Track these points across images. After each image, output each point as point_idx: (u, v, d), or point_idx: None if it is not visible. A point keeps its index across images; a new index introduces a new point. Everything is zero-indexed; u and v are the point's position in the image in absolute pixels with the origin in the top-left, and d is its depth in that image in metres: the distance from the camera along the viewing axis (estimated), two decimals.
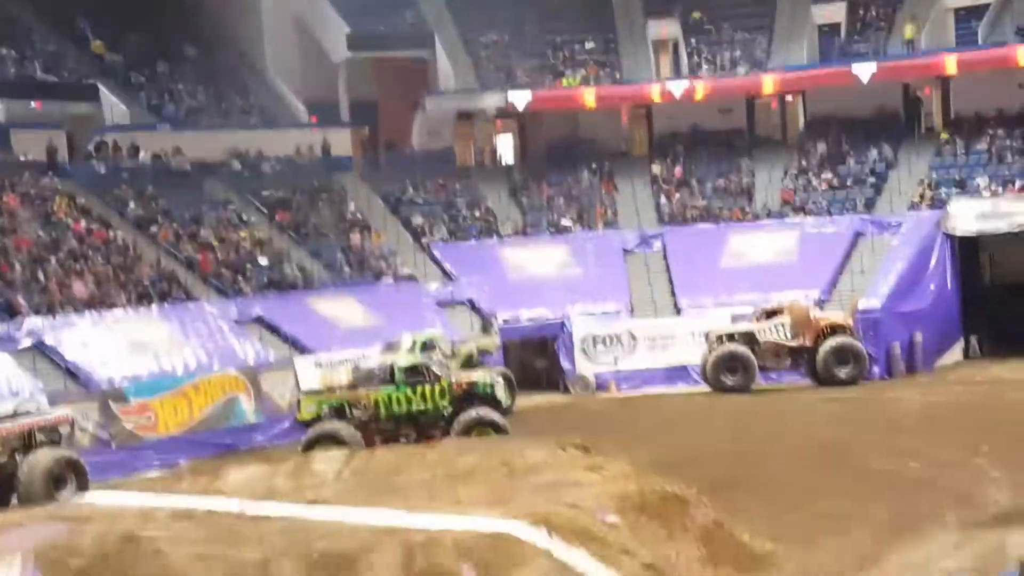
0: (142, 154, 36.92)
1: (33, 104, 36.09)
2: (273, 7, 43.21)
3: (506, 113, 42.59)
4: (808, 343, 31.08)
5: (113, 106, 37.88)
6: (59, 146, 35.27)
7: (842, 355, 30.68)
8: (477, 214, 40.11)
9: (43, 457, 21.26)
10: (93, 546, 14.25)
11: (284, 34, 43.43)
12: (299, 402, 25.16)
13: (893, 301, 33.08)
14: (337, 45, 42.41)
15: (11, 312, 28.02)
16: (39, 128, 35.25)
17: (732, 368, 30.90)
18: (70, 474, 21.33)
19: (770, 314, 31.68)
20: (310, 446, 23.26)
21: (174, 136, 38.11)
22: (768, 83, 40.76)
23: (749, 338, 31.22)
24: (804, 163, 40.31)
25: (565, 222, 39.53)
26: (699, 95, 40.84)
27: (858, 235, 36.39)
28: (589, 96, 41.75)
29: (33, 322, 27.76)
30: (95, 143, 36.60)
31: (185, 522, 15.63)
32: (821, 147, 40.50)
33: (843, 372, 30.59)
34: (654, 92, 41.31)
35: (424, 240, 38.32)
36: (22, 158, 34.51)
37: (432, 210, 39.86)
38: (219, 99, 41.54)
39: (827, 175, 39.44)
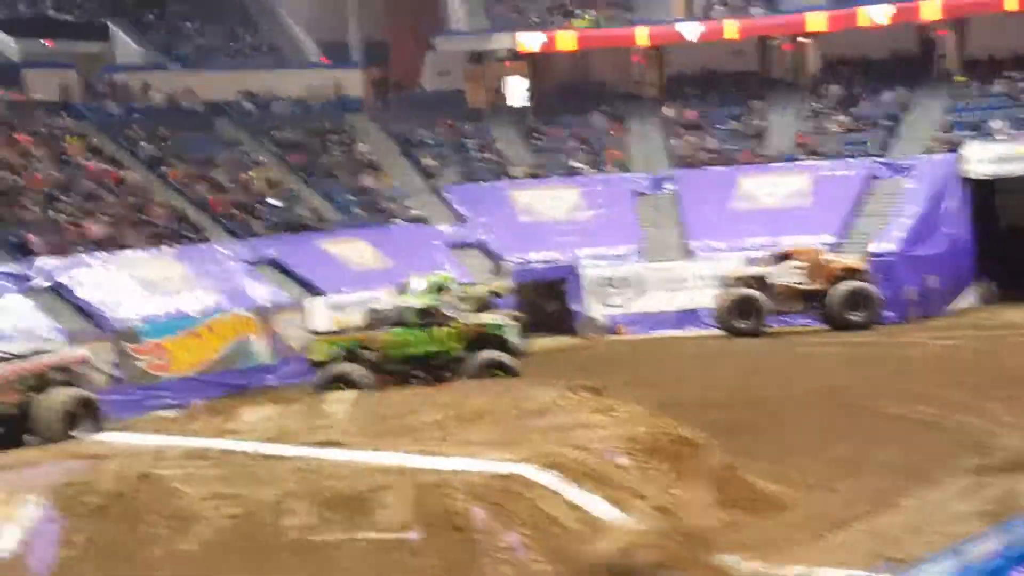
0: (154, 94, 36.82)
1: (44, 42, 35.92)
2: None
3: (517, 54, 42.29)
4: (821, 287, 31.01)
5: (124, 45, 37.70)
6: (71, 85, 35.18)
7: (855, 299, 30.62)
8: (488, 156, 39.99)
9: (58, 396, 21.38)
10: (109, 485, 14.35)
11: None
12: (311, 343, 25.24)
13: (907, 245, 32.98)
14: None
15: (25, 252, 28.10)
16: (51, 67, 35.17)
17: (744, 311, 30.87)
18: (85, 413, 21.46)
19: (783, 257, 31.60)
20: (322, 387, 23.36)
21: (185, 75, 38.00)
22: (781, 24, 40.36)
23: (761, 281, 31.16)
24: (818, 105, 40.04)
25: (576, 164, 39.38)
26: (712, 36, 40.49)
27: (872, 178, 36.18)
28: (601, 37, 41.41)
29: (47, 262, 27.83)
30: (107, 82, 36.49)
31: (199, 461, 15.72)
32: (835, 89, 40.20)
33: (856, 316, 30.53)
34: (666, 33, 40.94)
35: (435, 182, 38.22)
36: (35, 97, 34.43)
37: (443, 151, 39.74)
38: (230, 38, 41.35)
39: (841, 118, 39.18)
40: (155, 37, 39.37)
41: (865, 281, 30.93)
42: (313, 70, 41.16)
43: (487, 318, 25.33)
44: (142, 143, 34.57)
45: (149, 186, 32.76)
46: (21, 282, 27.00)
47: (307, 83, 39.91)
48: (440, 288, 28.66)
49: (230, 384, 27.35)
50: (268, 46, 41.76)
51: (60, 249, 28.60)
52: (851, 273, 30.94)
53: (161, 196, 32.66)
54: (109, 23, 37.90)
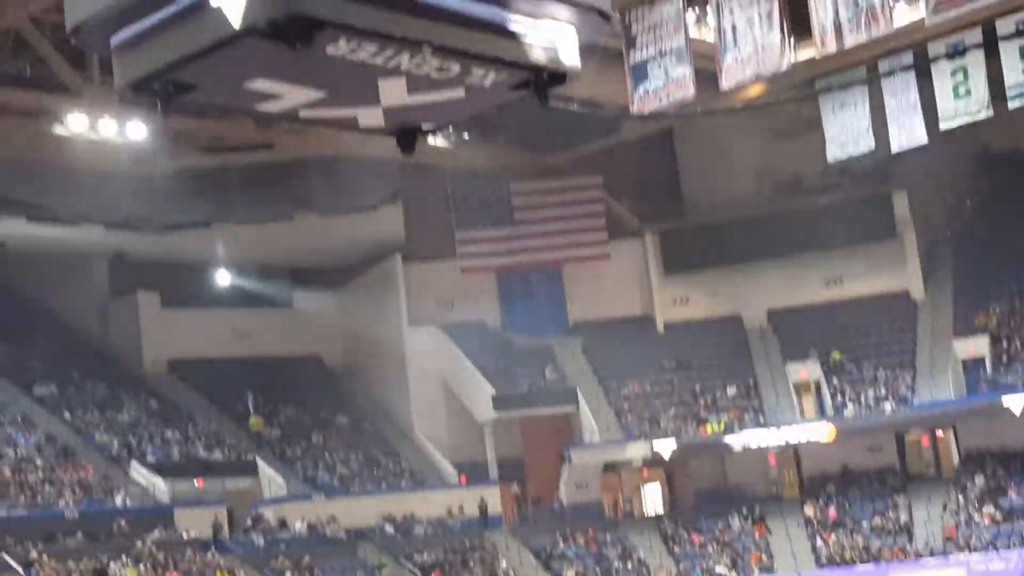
0: (298, 524, 37.76)
1: (196, 482, 37.50)
2: (420, 373, 44.84)
3: (652, 461, 42.61)
4: None
5: (270, 479, 39.12)
6: (221, 521, 36.33)
7: None
8: (629, 565, 39.57)
9: None
10: None
11: (431, 398, 44.82)
12: None
13: None
14: (482, 406, 43.51)
15: None
16: (201, 505, 36.51)
17: None
18: None
19: None
20: None
21: (328, 504, 39.03)
22: (916, 420, 40.25)
23: None
24: (962, 498, 39.12)
25: (720, 569, 38.67)
26: (846, 435, 40.45)
27: None
28: (734, 441, 41.70)
29: None
30: (253, 516, 37.62)
31: None
32: (979, 481, 39.37)
33: None
34: (799, 435, 41.06)
35: None
36: (185, 534, 35.50)
37: (584, 563, 39.47)
38: (370, 465, 42.64)
39: (988, 509, 38.14)
40: (300, 470, 40.86)
41: None
42: (452, 490, 41.94)
43: None
44: (287, 572, 35.14)
45: None
46: None
47: (446, 503, 40.61)
48: None
49: None
50: (408, 471, 42.91)
51: None
52: None
53: None
54: (257, 459, 39.52)
